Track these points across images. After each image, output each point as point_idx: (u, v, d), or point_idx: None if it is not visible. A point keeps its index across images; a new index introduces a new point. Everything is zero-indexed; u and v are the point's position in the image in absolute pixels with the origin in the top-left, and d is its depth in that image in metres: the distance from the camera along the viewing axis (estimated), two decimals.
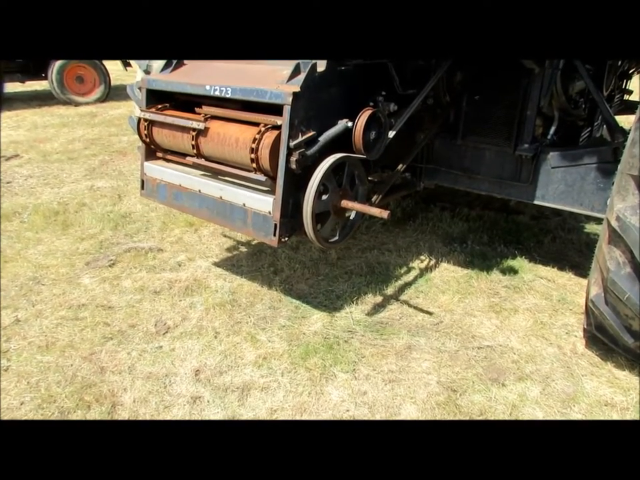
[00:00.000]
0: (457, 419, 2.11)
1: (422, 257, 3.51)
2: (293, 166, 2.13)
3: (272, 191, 2.25)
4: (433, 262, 3.45)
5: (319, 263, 3.41)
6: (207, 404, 2.19)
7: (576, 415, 2.15)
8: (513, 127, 2.97)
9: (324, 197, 2.31)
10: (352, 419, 2.11)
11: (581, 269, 3.29)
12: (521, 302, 2.99)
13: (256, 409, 2.16)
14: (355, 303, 2.94)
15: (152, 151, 2.80)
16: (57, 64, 9.82)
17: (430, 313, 2.86)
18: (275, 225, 2.24)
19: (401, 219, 4.15)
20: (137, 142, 4.39)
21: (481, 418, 2.12)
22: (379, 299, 3.00)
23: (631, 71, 4.88)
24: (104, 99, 10.50)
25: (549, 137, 3.04)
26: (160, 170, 2.74)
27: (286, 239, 2.31)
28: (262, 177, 2.24)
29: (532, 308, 2.93)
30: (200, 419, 2.12)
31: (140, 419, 2.11)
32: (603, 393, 2.27)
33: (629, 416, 2.14)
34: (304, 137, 2.16)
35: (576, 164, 2.80)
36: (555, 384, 2.32)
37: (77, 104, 10.10)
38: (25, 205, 4.52)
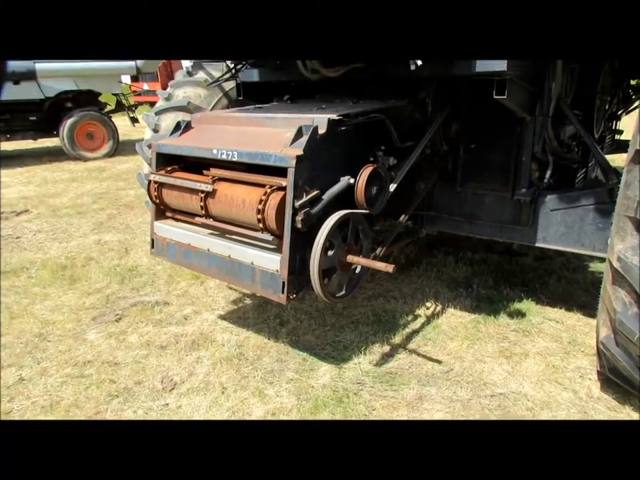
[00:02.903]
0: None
1: (428, 304, 3.50)
2: (299, 225, 2.18)
3: (279, 250, 2.29)
4: (439, 308, 3.43)
5: (325, 313, 3.40)
6: None
7: None
8: (509, 173, 3.05)
9: (330, 253, 2.35)
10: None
11: (589, 309, 3.27)
12: (531, 346, 2.95)
13: None
14: (362, 353, 2.91)
15: (161, 210, 2.87)
16: (69, 122, 10.23)
17: (439, 361, 2.82)
18: (283, 282, 2.27)
19: (405, 265, 4.17)
20: (144, 196, 4.50)
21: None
22: (386, 348, 2.97)
23: (619, 113, 5.04)
24: (112, 153, 10.85)
25: (545, 180, 3.11)
26: (169, 229, 2.81)
27: (294, 295, 2.33)
28: (269, 237, 2.29)
29: (543, 351, 2.89)
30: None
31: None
32: None
33: None
34: (308, 197, 2.22)
35: (574, 206, 2.85)
36: None
37: (86, 159, 10.44)
38: (33, 260, 4.59)
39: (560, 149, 3.18)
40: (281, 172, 2.21)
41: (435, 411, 2.41)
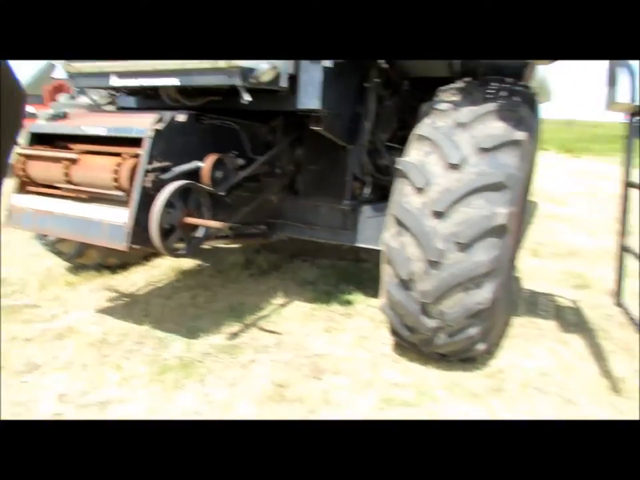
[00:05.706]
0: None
1: (277, 297, 4.17)
2: (148, 185, 2.71)
3: (128, 206, 2.75)
4: (286, 300, 4.11)
5: (187, 307, 3.91)
6: (67, 417, 2.52)
7: (372, 396, 2.79)
8: (338, 189, 3.89)
9: (171, 212, 2.83)
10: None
11: None
12: (350, 324, 3.72)
13: (114, 415, 2.53)
14: (213, 333, 3.46)
15: (22, 185, 3.24)
16: None
17: (274, 336, 3.46)
18: (127, 232, 2.72)
19: (267, 269, 4.83)
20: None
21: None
22: (234, 329, 3.55)
23: None
24: None
25: (364, 195, 3.99)
26: (28, 199, 3.19)
27: (137, 246, 2.78)
28: (121, 193, 2.78)
29: (358, 327, 3.66)
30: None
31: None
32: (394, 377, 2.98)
33: (413, 390, 2.83)
34: (160, 164, 2.79)
35: (381, 215, 3.73)
36: (360, 375, 2.99)
37: None
38: None
39: (375, 172, 4.10)
40: (140, 144, 2.75)
41: (262, 369, 3.02)
